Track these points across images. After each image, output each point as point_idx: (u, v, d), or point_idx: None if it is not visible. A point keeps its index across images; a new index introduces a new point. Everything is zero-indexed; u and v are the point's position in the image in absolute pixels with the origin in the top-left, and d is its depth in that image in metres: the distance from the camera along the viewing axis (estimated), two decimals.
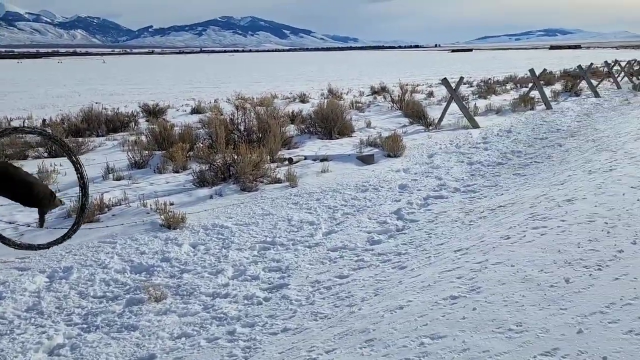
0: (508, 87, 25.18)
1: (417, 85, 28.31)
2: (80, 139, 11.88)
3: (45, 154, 10.09)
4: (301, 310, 3.78)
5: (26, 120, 15.77)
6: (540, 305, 3.18)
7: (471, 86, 26.42)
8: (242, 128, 9.85)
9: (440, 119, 12.60)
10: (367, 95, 23.45)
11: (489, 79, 30.35)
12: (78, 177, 3.34)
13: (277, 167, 8.32)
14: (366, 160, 8.71)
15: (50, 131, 3.27)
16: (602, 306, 3.11)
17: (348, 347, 2.94)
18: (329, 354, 2.91)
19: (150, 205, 6.16)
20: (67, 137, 12.53)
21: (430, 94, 21.78)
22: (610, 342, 2.74)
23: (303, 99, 21.79)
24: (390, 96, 16.72)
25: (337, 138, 11.34)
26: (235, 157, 7.44)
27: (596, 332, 2.84)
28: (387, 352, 2.80)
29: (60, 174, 8.08)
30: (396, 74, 43.70)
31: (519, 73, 34.42)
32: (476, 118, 12.93)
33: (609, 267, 3.65)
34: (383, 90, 23.78)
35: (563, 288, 3.37)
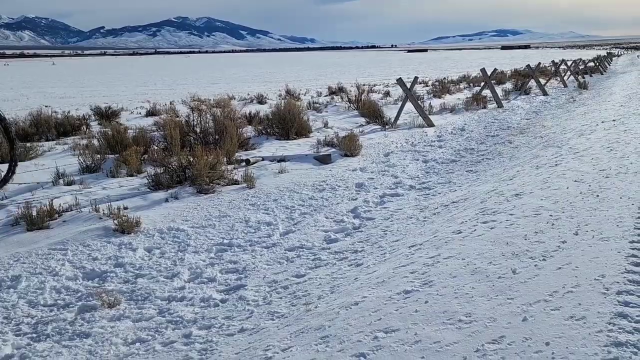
0: (462, 86, 25.83)
1: (374, 85, 28.68)
2: (28, 144, 11.48)
3: None
4: (258, 310, 3.79)
5: None
6: (489, 296, 3.30)
7: (427, 85, 26.96)
8: (198, 130, 9.74)
9: (396, 118, 12.81)
10: (325, 96, 23.57)
11: (444, 78, 31.05)
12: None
13: (235, 168, 8.28)
14: (323, 160, 8.78)
15: None
16: (546, 295, 3.26)
17: (304, 344, 2.97)
18: (284, 352, 2.93)
19: (103, 210, 6.02)
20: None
21: (387, 94, 22.09)
22: (553, 328, 2.88)
23: (261, 99, 21.71)
24: (347, 96, 16.87)
25: (295, 139, 11.36)
26: (191, 159, 7.36)
27: (540, 319, 2.97)
28: (341, 347, 2.84)
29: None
30: (354, 74, 44.11)
31: (472, 72, 35.38)
32: (431, 117, 13.21)
33: (552, 258, 3.82)
34: (340, 90, 23.96)
35: (510, 279, 3.51)
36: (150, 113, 17.71)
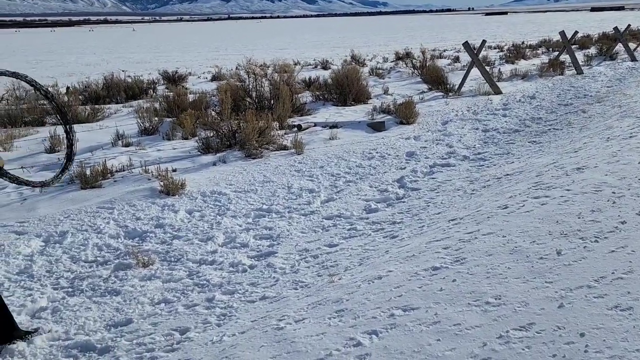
0: (539, 51, 24.20)
1: (444, 50, 27.52)
2: (98, 106, 12.01)
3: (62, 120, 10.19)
4: (283, 278, 3.72)
5: (51, 87, 16.00)
6: (525, 278, 3.03)
7: (501, 50, 25.49)
8: (253, 95, 9.72)
9: (461, 85, 12.19)
10: (391, 62, 22.91)
11: (522, 43, 29.24)
12: (65, 129, 3.26)
13: (285, 134, 8.21)
14: (376, 127, 8.51)
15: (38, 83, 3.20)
16: (591, 280, 2.94)
17: (318, 317, 2.87)
18: (297, 323, 2.85)
19: (152, 171, 6.15)
20: (86, 104, 12.67)
21: (456, 59, 21.14)
22: (592, 318, 2.59)
23: (325, 65, 21.46)
24: (412, 62, 16.27)
25: (352, 105, 11.12)
26: (241, 123, 7.36)
27: (578, 307, 2.68)
28: (354, 323, 2.71)
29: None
30: (425, 39, 42.58)
31: (554, 37, 33.06)
32: (500, 83, 12.48)
33: (607, 239, 3.45)
34: (407, 56, 23.18)
35: (552, 260, 3.21)
36: (215, 78, 17.98)
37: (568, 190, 4.47)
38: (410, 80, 14.60)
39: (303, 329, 2.75)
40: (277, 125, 8.65)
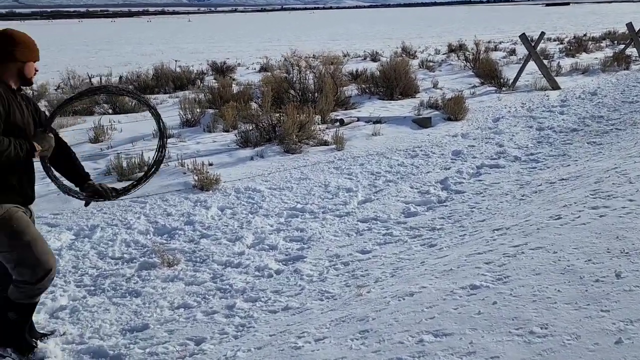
0: (603, 44, 22.82)
1: (500, 42, 26.42)
2: (149, 96, 12.15)
3: (110, 111, 10.35)
4: (309, 287, 3.49)
5: (105, 77, 16.39)
6: (577, 304, 2.67)
7: (561, 43, 24.22)
8: (297, 87, 9.52)
9: (515, 79, 11.55)
10: (443, 54, 22.19)
11: (584, 35, 27.69)
12: (160, 133, 3.23)
13: (327, 128, 7.97)
14: (422, 123, 8.12)
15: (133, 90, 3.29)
16: None
17: (339, 337, 2.62)
18: (317, 343, 2.61)
19: (188, 165, 6.06)
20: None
21: (512, 52, 20.21)
22: None
23: (374, 57, 21.00)
24: (464, 54, 15.62)
25: (399, 99, 10.74)
26: (280, 117, 7.16)
27: None
28: (379, 347, 2.45)
29: (116, 130, 8.22)
30: (481, 30, 41.19)
31: (620, 29, 31.15)
32: (558, 78, 11.74)
33: None
34: (461, 48, 22.38)
35: (610, 284, 2.82)
36: (264, 69, 17.91)
37: (631, 200, 4.01)
38: (461, 74, 14.01)
39: (322, 351, 2.51)
40: (319, 119, 8.42)
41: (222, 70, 16.85)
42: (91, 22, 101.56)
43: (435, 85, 12.04)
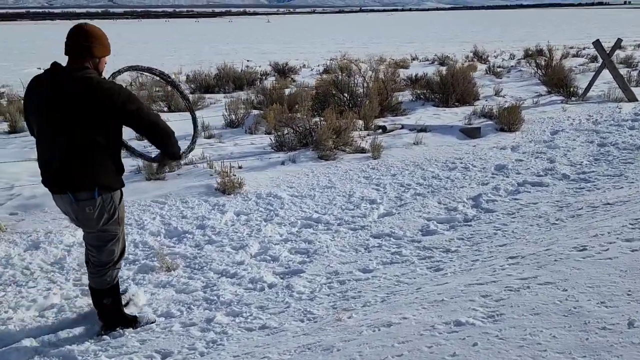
0: None
1: (584, 48, 24.74)
2: (206, 95, 12.44)
3: (165, 109, 10.65)
4: (295, 305, 3.30)
5: (174, 74, 16.99)
6: (571, 355, 2.31)
7: None
8: (345, 91, 9.32)
9: (587, 89, 10.69)
10: (519, 59, 21.10)
11: None
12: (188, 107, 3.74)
13: (368, 135, 7.72)
14: (470, 133, 7.67)
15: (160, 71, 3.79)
16: None
17: None
18: None
19: (216, 167, 6.05)
20: (195, 92, 13.20)
21: (594, 59, 18.83)
22: None
23: (443, 61, 20.33)
24: (535, 61, 14.70)
25: (455, 106, 10.25)
26: (317, 122, 7.01)
27: None
28: None
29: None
30: (569, 35, 38.94)
31: None
32: (637, 90, 10.77)
33: None
34: (539, 53, 21.17)
35: (619, 334, 2.43)
36: (327, 71, 17.84)
37: None
38: (529, 81, 13.20)
39: None
40: (362, 125, 8.19)
41: (283, 72, 16.94)
42: (177, 22, 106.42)
43: (497, 93, 11.41)
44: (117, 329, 3.12)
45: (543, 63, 13.98)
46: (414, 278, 3.52)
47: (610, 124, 8.23)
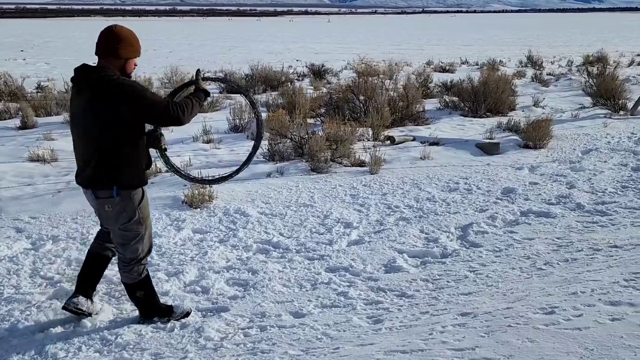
0: None
1: None
2: (232, 95, 12.17)
3: None
4: (193, 357, 2.81)
5: (216, 72, 16.94)
6: None
7: None
8: (360, 98, 8.73)
9: (638, 103, 9.57)
10: (578, 65, 19.65)
11: None
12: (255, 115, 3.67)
13: (374, 146, 7.11)
14: (487, 149, 6.90)
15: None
16: None
17: None
18: None
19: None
20: (222, 92, 12.98)
21: None
22: None
23: (493, 66, 19.20)
24: (587, 69, 13.46)
25: (486, 116, 9.43)
26: (311, 132, 6.49)
27: None
28: None
29: (168, 130, 8.15)
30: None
31: None
32: None
33: None
34: (599, 61, 19.63)
35: None
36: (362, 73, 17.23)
37: None
38: (577, 91, 12.06)
39: None
40: (372, 136, 7.59)
41: (319, 73, 16.48)
42: (239, 20, 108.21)
43: (536, 103, 10.45)
44: (154, 318, 3.19)
45: (595, 71, 12.79)
46: (343, 331, 2.94)
47: None
